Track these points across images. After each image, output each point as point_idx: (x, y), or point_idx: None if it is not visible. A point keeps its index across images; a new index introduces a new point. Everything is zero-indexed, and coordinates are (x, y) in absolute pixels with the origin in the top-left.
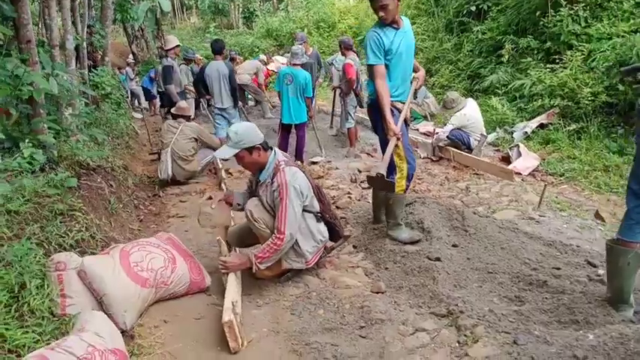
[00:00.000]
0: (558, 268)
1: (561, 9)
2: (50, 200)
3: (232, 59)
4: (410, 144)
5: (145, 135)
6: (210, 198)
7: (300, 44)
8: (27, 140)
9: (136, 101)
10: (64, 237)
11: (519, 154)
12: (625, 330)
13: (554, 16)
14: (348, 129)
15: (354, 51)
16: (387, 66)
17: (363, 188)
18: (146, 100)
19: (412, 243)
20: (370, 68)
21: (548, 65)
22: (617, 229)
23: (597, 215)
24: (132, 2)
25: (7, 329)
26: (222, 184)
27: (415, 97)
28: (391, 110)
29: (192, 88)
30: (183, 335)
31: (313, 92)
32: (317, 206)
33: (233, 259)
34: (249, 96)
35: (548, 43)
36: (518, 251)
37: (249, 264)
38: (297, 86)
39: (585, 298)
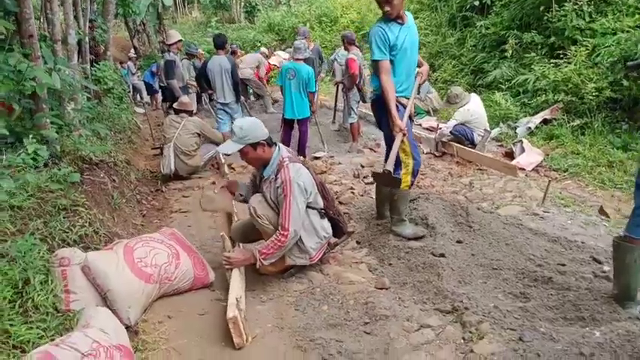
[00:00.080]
0: (563, 265)
1: (565, 4)
2: (53, 195)
3: (233, 52)
4: (414, 139)
5: (147, 129)
6: (213, 183)
7: (303, 39)
8: (31, 136)
9: (138, 96)
10: (67, 232)
11: (523, 150)
12: (632, 327)
13: (558, 10)
14: (351, 124)
15: (356, 46)
16: (391, 61)
17: (366, 184)
18: (148, 94)
19: (416, 239)
20: (375, 64)
21: (552, 60)
22: (623, 225)
23: (602, 211)
24: None
25: (11, 325)
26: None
27: (418, 92)
28: (396, 106)
29: (194, 83)
30: (188, 331)
31: (315, 87)
32: (321, 203)
33: (237, 254)
34: (251, 90)
35: (552, 38)
36: (522, 247)
37: (253, 260)
38: (299, 81)
39: (591, 294)
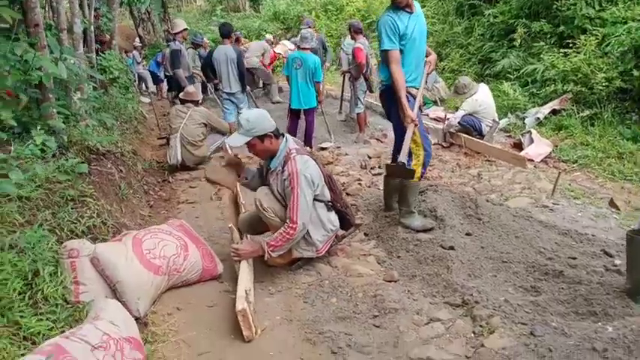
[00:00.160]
0: (574, 258)
1: None
2: (61, 186)
3: (237, 40)
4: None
5: (152, 119)
6: (222, 157)
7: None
8: (39, 127)
9: (144, 85)
10: (75, 223)
11: (531, 141)
12: None
13: None
14: (358, 114)
15: (363, 35)
16: (401, 51)
17: (374, 175)
18: (153, 84)
19: (425, 231)
20: (385, 53)
21: (561, 50)
22: (634, 218)
23: (612, 203)
24: None
25: (21, 317)
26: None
27: (425, 82)
28: (406, 96)
29: (199, 72)
30: (197, 323)
31: (322, 77)
32: (328, 195)
33: (245, 246)
34: (258, 79)
35: (562, 27)
36: (532, 240)
37: (261, 252)
38: (306, 71)
39: (603, 288)
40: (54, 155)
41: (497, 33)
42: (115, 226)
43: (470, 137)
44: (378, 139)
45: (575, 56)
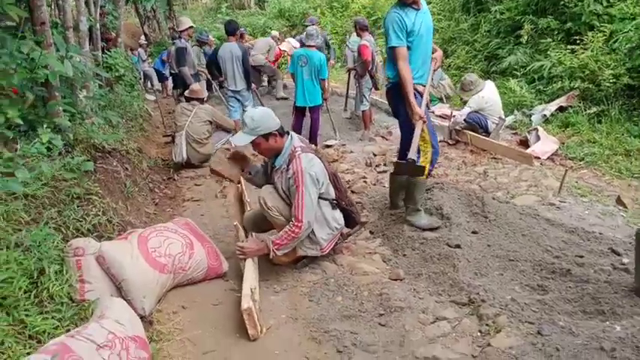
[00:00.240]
0: (581, 256)
1: None
2: (67, 184)
3: (241, 36)
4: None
5: (158, 117)
6: (228, 149)
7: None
8: (45, 125)
9: (149, 83)
10: (81, 221)
11: (538, 138)
12: None
13: None
14: (363, 112)
15: (369, 32)
16: (408, 48)
17: (379, 172)
18: (159, 81)
19: (431, 229)
20: (392, 50)
21: (568, 46)
22: None
23: (619, 201)
24: None
25: (27, 315)
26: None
27: (432, 79)
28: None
29: (204, 70)
30: (202, 321)
31: (327, 74)
32: (332, 193)
33: (250, 244)
34: (264, 77)
35: (569, 24)
36: (539, 238)
37: (266, 250)
38: (311, 68)
39: (611, 287)
40: (60, 153)
41: (503, 29)
42: (121, 224)
43: (476, 134)
44: (383, 137)
45: (583, 53)
